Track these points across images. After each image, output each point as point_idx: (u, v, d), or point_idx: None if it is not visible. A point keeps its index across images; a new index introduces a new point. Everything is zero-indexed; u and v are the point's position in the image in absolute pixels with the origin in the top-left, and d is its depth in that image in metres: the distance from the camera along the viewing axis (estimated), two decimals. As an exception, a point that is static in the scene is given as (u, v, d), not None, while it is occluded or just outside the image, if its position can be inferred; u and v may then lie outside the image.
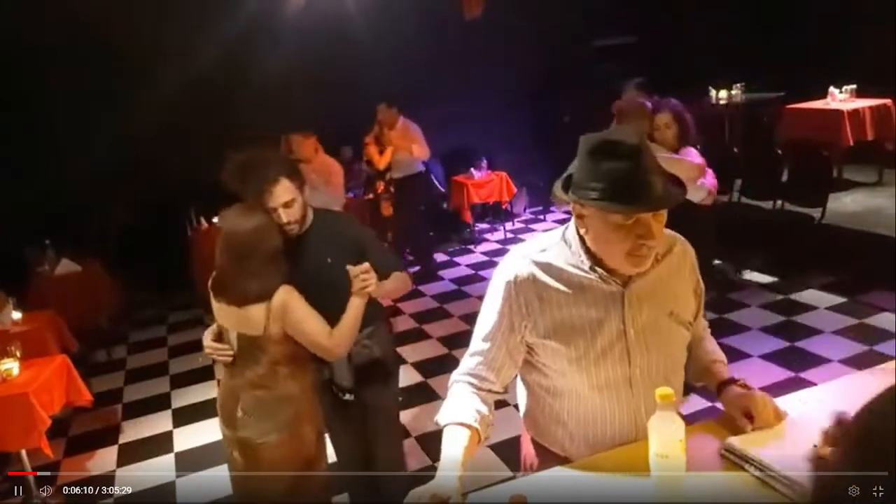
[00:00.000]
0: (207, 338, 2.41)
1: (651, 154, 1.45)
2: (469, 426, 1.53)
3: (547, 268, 1.56)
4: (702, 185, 3.57)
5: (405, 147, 5.99)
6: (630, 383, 1.56)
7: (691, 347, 1.75)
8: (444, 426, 1.56)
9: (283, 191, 2.27)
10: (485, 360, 1.61)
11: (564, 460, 1.62)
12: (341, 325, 2.31)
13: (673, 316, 1.59)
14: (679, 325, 1.61)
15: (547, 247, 1.59)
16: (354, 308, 2.33)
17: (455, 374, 1.65)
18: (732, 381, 1.65)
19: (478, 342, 1.63)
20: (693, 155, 3.71)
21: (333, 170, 5.08)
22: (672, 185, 1.49)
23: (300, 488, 2.42)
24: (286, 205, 2.29)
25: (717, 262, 5.88)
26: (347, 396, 2.57)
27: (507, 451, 3.18)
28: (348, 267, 2.27)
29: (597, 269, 1.52)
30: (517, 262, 1.59)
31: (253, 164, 2.27)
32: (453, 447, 1.50)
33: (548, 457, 1.68)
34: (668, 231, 1.62)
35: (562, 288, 1.54)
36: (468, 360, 1.64)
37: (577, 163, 1.49)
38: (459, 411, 1.56)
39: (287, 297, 2.27)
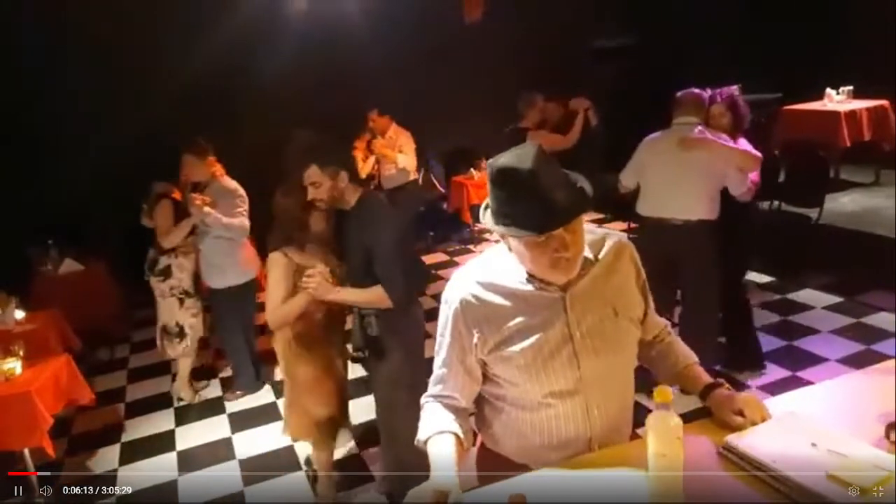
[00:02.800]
0: None
1: (550, 168, 1.46)
2: (451, 432, 1.58)
3: (491, 286, 1.59)
4: (745, 178, 3.59)
5: (390, 157, 5.89)
6: (581, 387, 1.57)
7: (661, 351, 1.78)
8: (427, 440, 1.59)
9: (312, 174, 2.77)
10: (446, 385, 1.66)
11: (520, 467, 1.63)
12: (280, 308, 2.85)
13: (619, 315, 1.60)
14: (627, 322, 1.62)
15: (490, 264, 1.63)
16: (293, 302, 2.83)
17: (423, 397, 1.70)
18: (717, 384, 1.68)
19: (437, 368, 1.68)
20: (751, 148, 3.71)
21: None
22: (575, 192, 1.49)
23: None
24: (313, 185, 2.79)
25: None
26: (357, 354, 3.10)
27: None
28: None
29: (533, 279, 1.55)
30: (461, 287, 1.62)
31: (296, 150, 2.83)
32: (443, 450, 1.54)
33: (503, 464, 1.68)
34: (600, 229, 1.66)
35: (507, 303, 1.57)
36: (432, 386, 1.69)
37: (488, 188, 1.51)
38: (437, 423, 1.61)
39: (272, 260, 2.88)
